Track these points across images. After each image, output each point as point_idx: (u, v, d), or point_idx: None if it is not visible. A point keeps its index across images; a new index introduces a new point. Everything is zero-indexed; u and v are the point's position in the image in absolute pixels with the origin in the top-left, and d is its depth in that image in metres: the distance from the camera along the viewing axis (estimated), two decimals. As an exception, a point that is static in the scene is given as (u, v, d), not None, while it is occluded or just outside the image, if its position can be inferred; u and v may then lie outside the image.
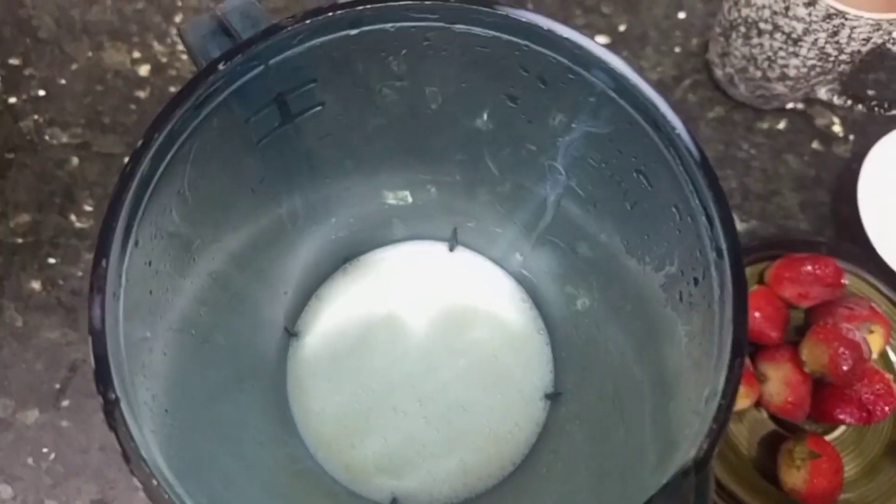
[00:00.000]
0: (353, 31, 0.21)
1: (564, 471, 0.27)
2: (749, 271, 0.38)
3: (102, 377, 0.16)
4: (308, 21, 0.20)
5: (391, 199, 0.33)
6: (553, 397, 0.33)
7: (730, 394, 0.17)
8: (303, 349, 0.34)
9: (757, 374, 0.35)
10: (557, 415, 0.32)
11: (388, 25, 0.21)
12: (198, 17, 0.23)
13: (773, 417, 0.36)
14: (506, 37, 0.21)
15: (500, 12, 0.21)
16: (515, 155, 0.27)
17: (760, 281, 0.38)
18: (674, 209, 0.21)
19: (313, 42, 0.21)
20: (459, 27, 0.21)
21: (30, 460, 0.40)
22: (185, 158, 0.20)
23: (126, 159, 0.45)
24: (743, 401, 0.34)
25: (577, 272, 0.30)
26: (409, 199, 0.34)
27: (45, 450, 0.40)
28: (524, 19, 0.20)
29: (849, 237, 0.42)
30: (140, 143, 0.18)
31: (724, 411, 0.17)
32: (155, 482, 0.15)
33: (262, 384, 0.30)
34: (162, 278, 0.20)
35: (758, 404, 0.35)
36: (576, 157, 0.25)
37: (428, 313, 0.35)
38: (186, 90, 0.19)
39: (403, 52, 0.22)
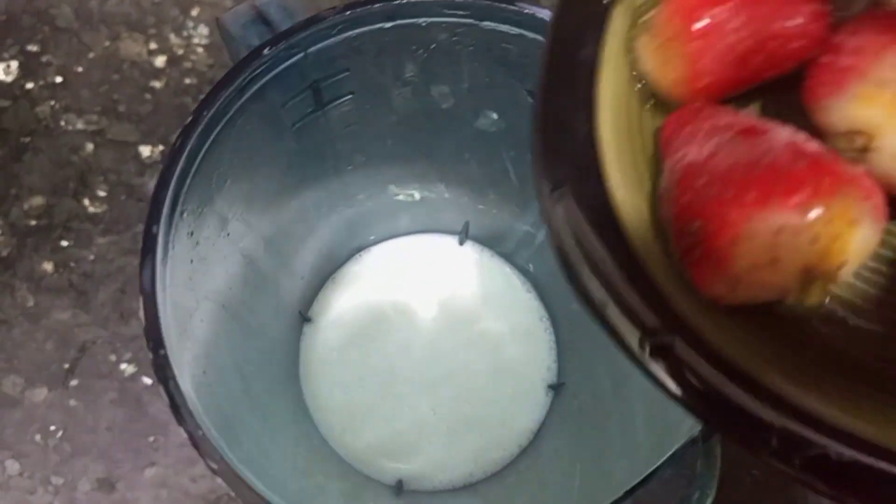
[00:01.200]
0: (388, 25, 0.22)
1: (568, 454, 0.28)
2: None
3: (153, 334, 0.17)
4: (348, 13, 0.21)
5: (405, 190, 0.35)
6: (556, 387, 0.34)
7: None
8: (315, 334, 0.35)
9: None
10: (561, 403, 0.33)
11: (421, 20, 0.22)
12: (237, 6, 0.24)
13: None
14: (530, 34, 0.23)
15: (526, 10, 0.22)
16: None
17: None
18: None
19: (350, 33, 0.22)
20: (487, 24, 0.23)
21: (37, 437, 0.41)
22: (226, 137, 0.21)
23: (140, 147, 0.46)
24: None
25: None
26: (418, 195, 0.35)
27: (52, 428, 0.41)
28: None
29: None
30: (189, 119, 0.19)
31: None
32: (201, 432, 0.17)
33: (279, 364, 0.31)
34: (201, 250, 0.21)
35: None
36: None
37: (437, 303, 0.36)
38: (233, 72, 0.20)
39: (433, 46, 0.24)
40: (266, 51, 0.21)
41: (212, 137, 0.20)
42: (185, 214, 0.20)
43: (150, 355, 0.17)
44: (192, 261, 0.21)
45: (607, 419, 0.28)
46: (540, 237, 0.34)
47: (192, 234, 0.20)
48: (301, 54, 0.22)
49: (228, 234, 0.23)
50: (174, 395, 0.17)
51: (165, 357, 0.17)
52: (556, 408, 0.34)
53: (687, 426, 0.19)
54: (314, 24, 0.21)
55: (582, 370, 0.33)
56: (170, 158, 0.19)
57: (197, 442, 0.17)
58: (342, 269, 0.36)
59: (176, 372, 0.17)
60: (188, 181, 0.20)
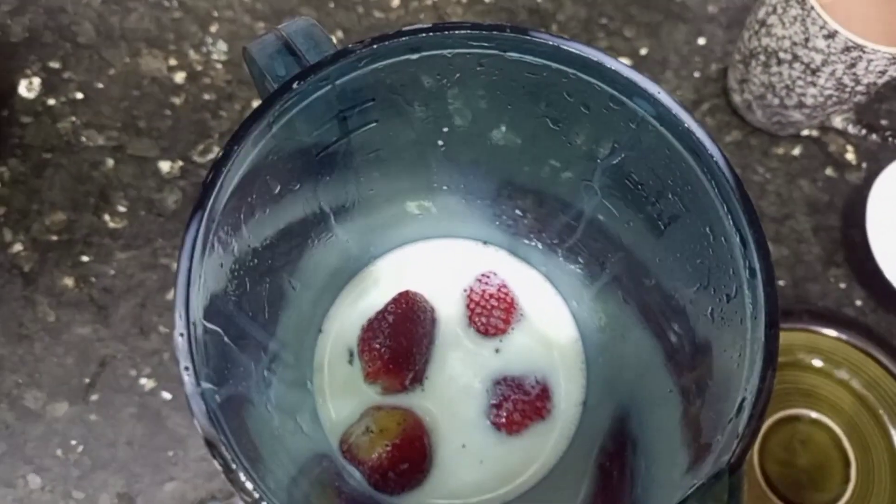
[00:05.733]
0: (414, 56, 0.22)
1: (598, 472, 0.28)
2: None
3: (195, 370, 0.17)
4: (375, 46, 0.21)
5: (422, 203, 0.35)
6: (585, 403, 0.34)
7: (762, 402, 0.18)
8: (327, 348, 0.35)
9: None
10: (589, 418, 0.33)
11: (447, 51, 0.23)
12: (264, 36, 0.24)
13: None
14: (555, 65, 0.23)
15: (551, 43, 0.22)
16: (552, 173, 0.28)
17: None
18: (707, 230, 0.22)
19: (377, 65, 0.22)
20: (512, 55, 0.23)
21: (59, 452, 0.41)
22: (255, 169, 0.21)
23: (160, 163, 0.47)
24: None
25: (606, 286, 0.31)
26: (435, 209, 0.35)
27: (73, 442, 0.42)
28: (576, 51, 0.22)
29: (858, 260, 0.43)
30: (221, 154, 0.20)
31: (757, 419, 0.18)
32: (234, 465, 0.17)
33: (301, 384, 0.31)
34: (231, 279, 0.22)
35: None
36: (612, 178, 0.26)
37: (458, 309, 0.36)
38: (264, 106, 0.21)
39: (457, 75, 0.24)
40: (296, 85, 0.21)
41: (241, 171, 0.21)
42: (215, 247, 0.20)
43: (187, 389, 0.17)
44: (223, 290, 0.21)
45: (636, 436, 0.28)
46: (561, 254, 0.34)
47: (221, 265, 0.21)
48: (329, 86, 0.22)
49: (256, 261, 0.24)
50: (216, 426, 0.17)
51: (206, 390, 0.17)
52: (585, 422, 0.34)
53: (719, 449, 0.19)
54: (343, 57, 0.21)
55: (608, 386, 0.33)
56: (202, 194, 0.19)
57: (232, 477, 0.17)
58: (359, 278, 0.36)
59: (212, 405, 0.17)
60: (219, 214, 0.20)
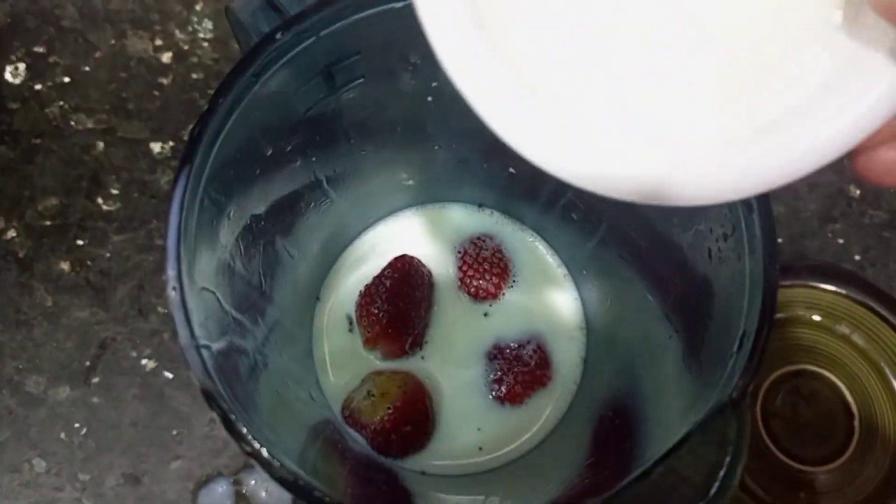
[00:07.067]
0: (399, 4, 0.22)
1: (599, 425, 0.28)
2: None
3: (188, 323, 0.17)
4: (359, -6, 0.21)
5: (415, 175, 0.35)
6: (587, 361, 0.34)
7: (763, 336, 0.18)
8: (325, 315, 0.35)
9: None
10: (591, 375, 0.33)
11: (432, -1, 0.22)
12: (246, -7, 0.24)
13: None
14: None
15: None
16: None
17: None
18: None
19: (360, 15, 0.22)
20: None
21: (63, 435, 0.41)
22: (242, 126, 0.21)
23: (151, 144, 0.46)
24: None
25: (602, 240, 0.31)
26: (439, 171, 0.35)
27: (77, 425, 0.42)
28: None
29: (856, 216, 0.43)
30: (206, 108, 0.19)
31: (759, 353, 0.18)
32: (232, 416, 0.17)
33: (306, 354, 0.31)
34: (226, 241, 0.21)
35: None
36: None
37: (453, 272, 0.36)
38: (247, 59, 0.20)
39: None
40: (278, 36, 0.21)
41: (228, 126, 0.20)
42: (205, 203, 0.20)
43: (182, 341, 0.17)
44: (216, 254, 0.21)
45: (639, 379, 0.27)
46: (558, 209, 0.33)
47: (213, 222, 0.20)
48: (313, 38, 0.22)
49: (251, 225, 0.24)
50: (209, 377, 0.17)
51: (201, 347, 0.17)
52: (585, 380, 0.34)
53: (721, 385, 0.19)
54: (325, 6, 0.21)
55: (610, 335, 0.33)
56: (189, 147, 0.19)
57: (234, 432, 0.17)
58: (353, 246, 0.36)
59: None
60: (207, 169, 0.20)
